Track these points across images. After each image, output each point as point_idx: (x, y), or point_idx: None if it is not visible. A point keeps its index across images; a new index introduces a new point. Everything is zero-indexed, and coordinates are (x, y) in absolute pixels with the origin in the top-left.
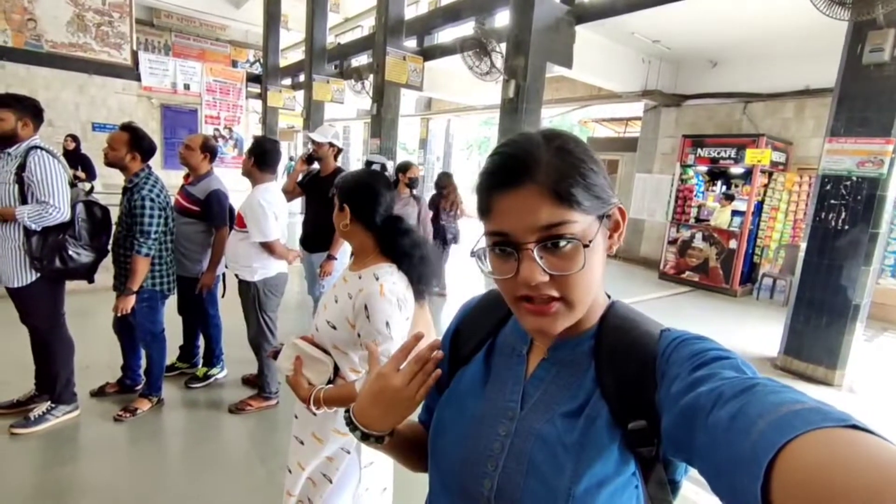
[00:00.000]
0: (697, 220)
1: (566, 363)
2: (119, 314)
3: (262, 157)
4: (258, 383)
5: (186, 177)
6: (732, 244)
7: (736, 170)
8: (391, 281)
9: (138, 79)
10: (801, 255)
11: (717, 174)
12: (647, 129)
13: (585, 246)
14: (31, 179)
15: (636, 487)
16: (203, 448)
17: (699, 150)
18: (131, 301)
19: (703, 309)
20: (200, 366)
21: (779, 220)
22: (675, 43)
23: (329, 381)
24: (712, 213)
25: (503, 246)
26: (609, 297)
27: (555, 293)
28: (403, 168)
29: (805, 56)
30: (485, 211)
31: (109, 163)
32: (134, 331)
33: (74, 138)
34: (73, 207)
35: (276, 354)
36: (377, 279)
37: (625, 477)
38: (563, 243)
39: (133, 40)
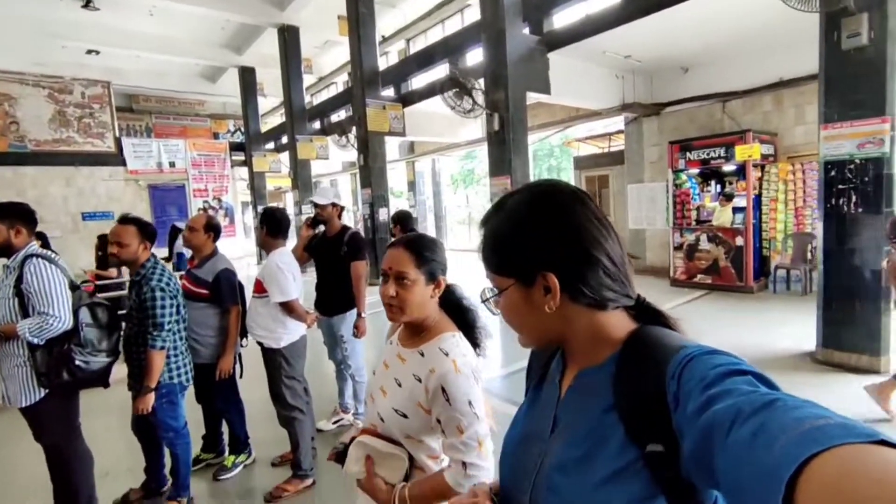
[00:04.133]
0: (699, 221)
1: (588, 389)
2: (140, 414)
3: (273, 226)
4: (293, 460)
5: (191, 260)
6: (739, 241)
7: (728, 168)
8: (461, 353)
9: (124, 164)
10: (820, 244)
11: (709, 175)
12: (632, 140)
13: None
14: (28, 291)
15: None
16: None
17: (688, 153)
18: (151, 399)
19: (723, 310)
20: (227, 454)
21: (780, 210)
22: (646, 56)
23: (405, 476)
24: (712, 214)
25: None
26: (638, 322)
27: None
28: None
29: (774, 49)
30: None
31: (122, 261)
32: (155, 430)
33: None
34: (76, 313)
35: (338, 457)
36: (447, 354)
37: (646, 500)
38: None
39: (115, 128)
